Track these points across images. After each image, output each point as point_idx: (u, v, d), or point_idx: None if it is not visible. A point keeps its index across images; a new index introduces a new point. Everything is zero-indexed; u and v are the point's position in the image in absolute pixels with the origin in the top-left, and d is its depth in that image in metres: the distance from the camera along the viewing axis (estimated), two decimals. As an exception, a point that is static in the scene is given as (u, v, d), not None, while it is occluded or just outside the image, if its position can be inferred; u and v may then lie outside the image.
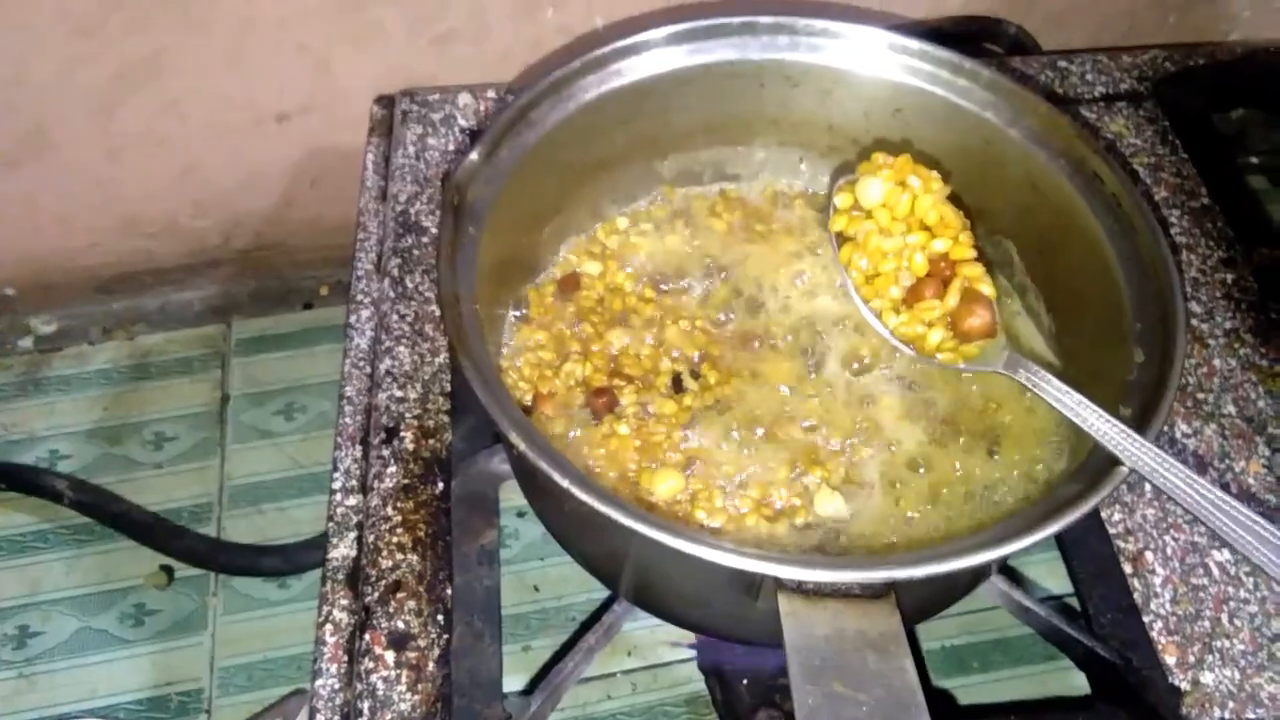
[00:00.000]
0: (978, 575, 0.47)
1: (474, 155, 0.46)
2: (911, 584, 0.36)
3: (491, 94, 0.73)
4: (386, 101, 0.73)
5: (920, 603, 0.46)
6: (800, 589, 0.35)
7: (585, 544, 0.49)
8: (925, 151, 0.56)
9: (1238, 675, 0.51)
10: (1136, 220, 0.47)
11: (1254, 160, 0.87)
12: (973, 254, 0.50)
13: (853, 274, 0.52)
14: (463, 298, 0.42)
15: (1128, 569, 0.54)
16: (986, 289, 0.49)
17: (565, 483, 0.36)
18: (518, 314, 0.54)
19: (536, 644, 0.62)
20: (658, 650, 0.60)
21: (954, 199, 0.52)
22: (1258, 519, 0.37)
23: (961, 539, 0.38)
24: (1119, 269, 0.47)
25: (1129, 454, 0.40)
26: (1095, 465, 0.41)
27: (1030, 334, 0.54)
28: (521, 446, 0.37)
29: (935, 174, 0.51)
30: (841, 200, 0.53)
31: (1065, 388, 0.44)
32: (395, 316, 0.61)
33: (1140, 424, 0.40)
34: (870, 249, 0.51)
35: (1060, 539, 0.56)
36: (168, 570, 0.71)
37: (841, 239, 0.53)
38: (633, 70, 0.52)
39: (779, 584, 0.35)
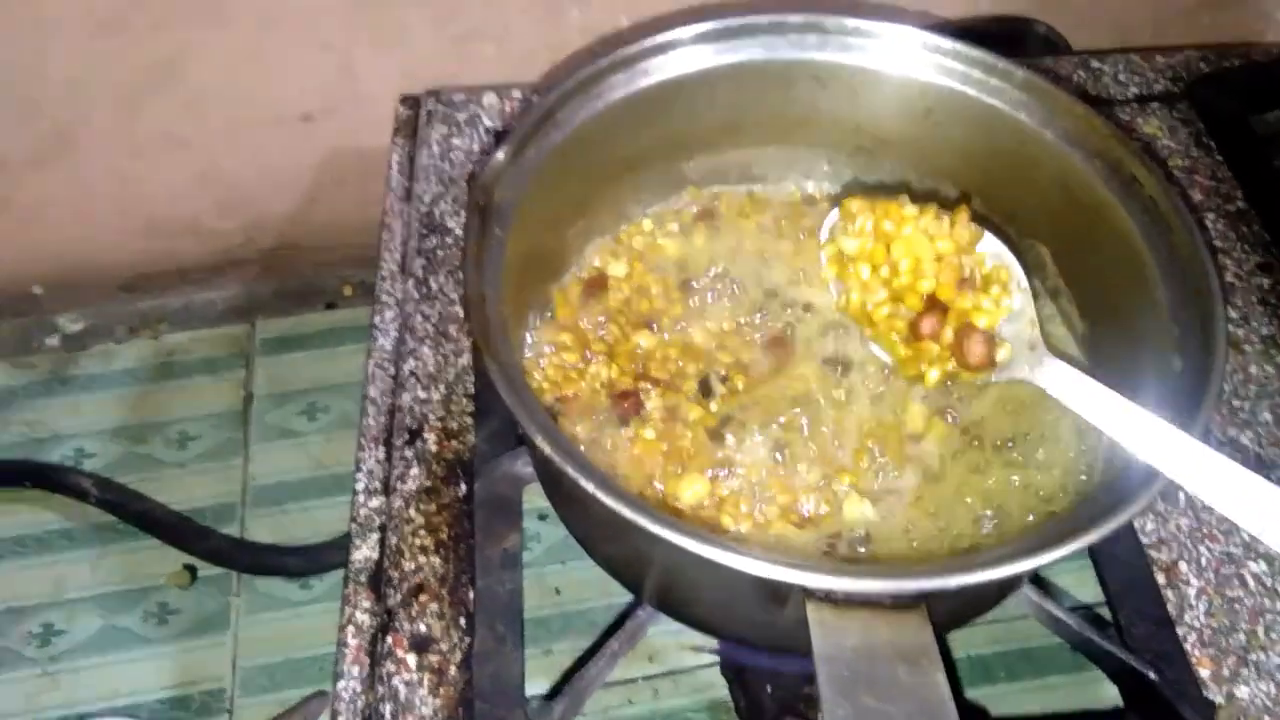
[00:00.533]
0: (1009, 585, 0.46)
1: (500, 156, 0.46)
2: (943, 594, 0.35)
3: (517, 94, 0.72)
4: (411, 102, 0.73)
5: (950, 613, 0.45)
6: (829, 598, 0.35)
7: (609, 549, 0.48)
8: (955, 152, 0.55)
9: (1274, 689, 0.50)
10: (1174, 222, 0.46)
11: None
12: (957, 288, 0.50)
13: (858, 318, 0.52)
14: (488, 299, 0.42)
15: (1161, 580, 0.53)
16: (983, 319, 0.49)
17: (590, 487, 0.36)
18: (543, 315, 0.54)
19: (558, 648, 0.62)
20: (680, 655, 0.60)
21: (976, 217, 0.51)
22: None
23: (994, 549, 0.37)
24: (1156, 272, 0.46)
25: (1166, 457, 0.39)
26: (1131, 474, 0.40)
27: (1063, 338, 0.53)
28: (547, 450, 0.37)
29: (910, 209, 0.51)
30: (829, 252, 0.53)
31: (1101, 390, 0.43)
32: (419, 317, 0.61)
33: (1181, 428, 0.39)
34: (860, 301, 0.52)
35: (1092, 549, 0.55)
36: (191, 569, 0.71)
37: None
38: (660, 69, 0.51)
39: (808, 593, 0.35)
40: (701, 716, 0.58)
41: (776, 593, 0.36)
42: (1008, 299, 0.49)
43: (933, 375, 0.49)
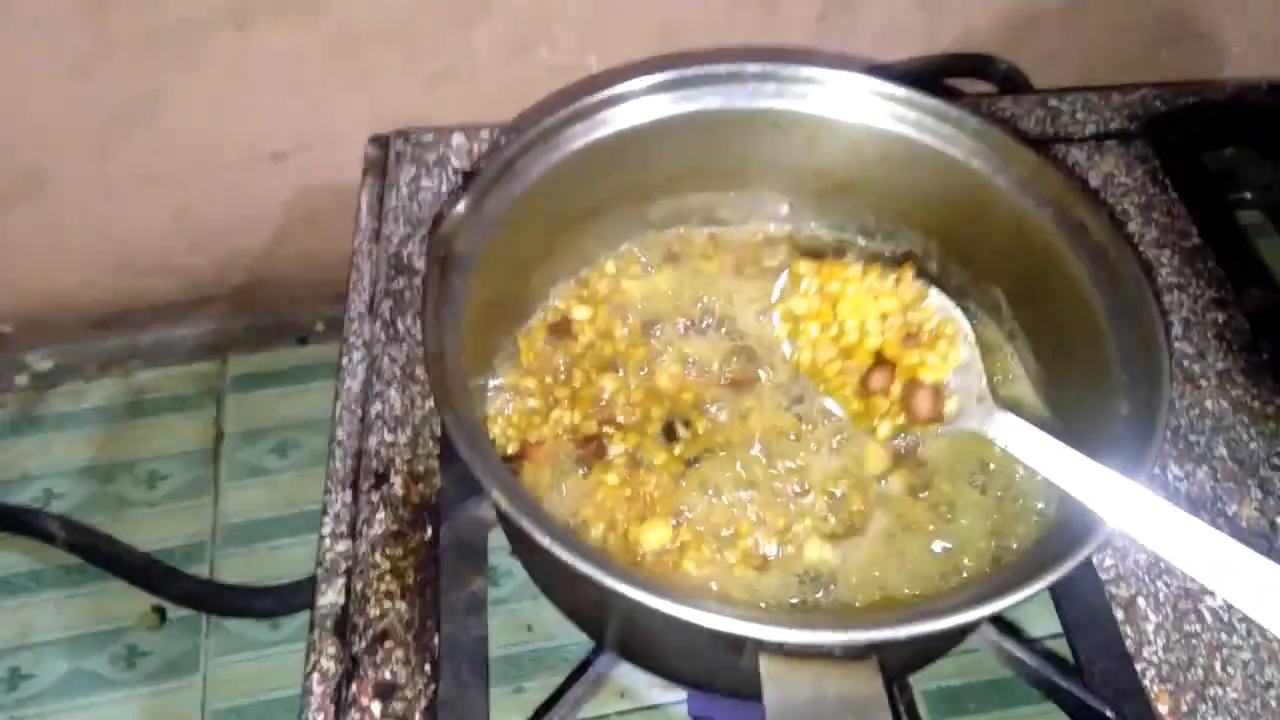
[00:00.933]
0: (966, 630, 0.47)
1: (460, 207, 0.46)
2: (893, 644, 0.36)
3: (485, 134, 0.73)
4: (381, 142, 0.74)
5: (908, 658, 0.46)
6: (782, 650, 0.35)
7: (570, 598, 0.49)
8: (913, 197, 0.56)
9: (1232, 727, 0.51)
10: (1123, 270, 0.47)
11: (1248, 196, 0.88)
12: (903, 345, 0.51)
13: (811, 374, 0.53)
14: (448, 353, 0.42)
15: (1119, 615, 0.54)
16: (929, 375, 0.50)
17: (546, 541, 0.36)
18: (508, 360, 0.54)
19: (530, 685, 0.62)
20: (650, 692, 0.60)
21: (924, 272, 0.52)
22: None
23: (943, 598, 0.37)
24: (1105, 318, 0.47)
25: (1110, 505, 0.39)
26: (1083, 517, 0.41)
27: (1019, 379, 0.54)
28: (504, 504, 0.37)
29: (855, 269, 0.52)
30: (780, 312, 0.54)
31: (1048, 441, 0.44)
32: (386, 359, 0.61)
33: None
34: (812, 359, 0.53)
35: (1051, 586, 0.55)
36: (160, 611, 0.71)
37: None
38: (618, 119, 0.52)
39: (760, 645, 0.35)
40: (671, 753, 0.58)
41: (731, 643, 0.37)
42: (954, 353, 0.50)
43: (883, 429, 0.50)
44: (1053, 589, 0.55)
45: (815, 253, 0.58)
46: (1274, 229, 0.88)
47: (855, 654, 0.35)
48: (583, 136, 0.51)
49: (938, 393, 0.49)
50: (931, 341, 0.51)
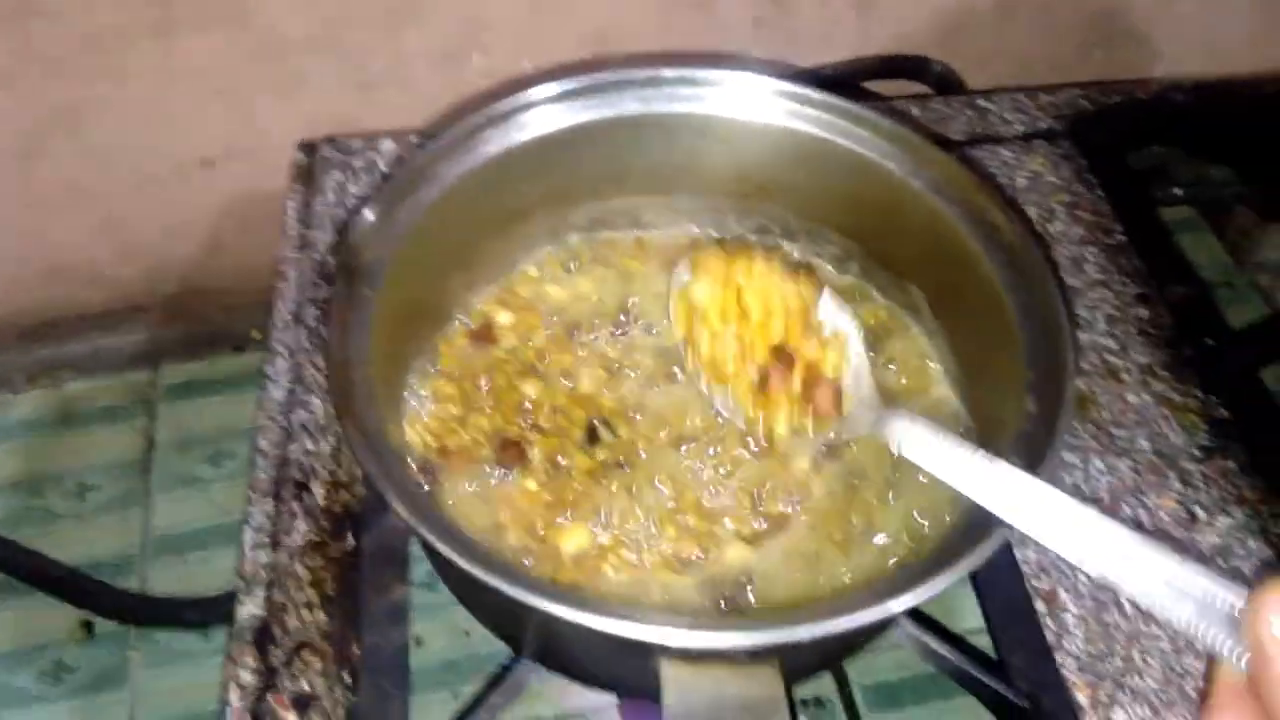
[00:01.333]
0: (881, 625, 0.47)
1: (368, 215, 0.46)
2: (797, 645, 0.36)
3: (415, 140, 0.73)
4: (309, 148, 0.73)
5: (819, 656, 0.46)
6: (684, 654, 0.35)
7: (483, 607, 0.49)
8: (833, 199, 0.56)
9: (1149, 713, 0.51)
10: (1032, 268, 0.48)
11: (1177, 192, 0.89)
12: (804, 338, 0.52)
13: (705, 373, 0.53)
14: (354, 362, 0.42)
15: (1040, 608, 0.55)
16: (829, 369, 0.50)
17: (444, 548, 0.36)
18: (429, 367, 0.54)
19: (466, 690, 0.61)
20: (581, 697, 0.60)
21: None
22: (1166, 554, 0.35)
23: (847, 598, 0.37)
24: (1016, 317, 0.48)
25: (1006, 505, 0.39)
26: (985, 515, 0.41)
27: (938, 380, 0.54)
28: (401, 511, 0.37)
29: (761, 259, 0.53)
30: (676, 307, 0.54)
31: (943, 440, 0.43)
32: (311, 367, 0.61)
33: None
34: (711, 355, 0.53)
35: (974, 578, 0.56)
36: (87, 625, 0.69)
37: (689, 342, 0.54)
38: (534, 124, 0.52)
39: (661, 650, 0.35)
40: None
41: (636, 649, 0.37)
42: (847, 353, 0.51)
43: (781, 428, 0.51)
44: (976, 582, 0.56)
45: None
46: (1204, 223, 0.89)
47: (756, 657, 0.35)
48: (499, 141, 0.51)
49: (838, 389, 0.50)
50: (829, 340, 0.52)
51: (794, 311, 0.51)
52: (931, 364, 0.55)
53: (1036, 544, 0.56)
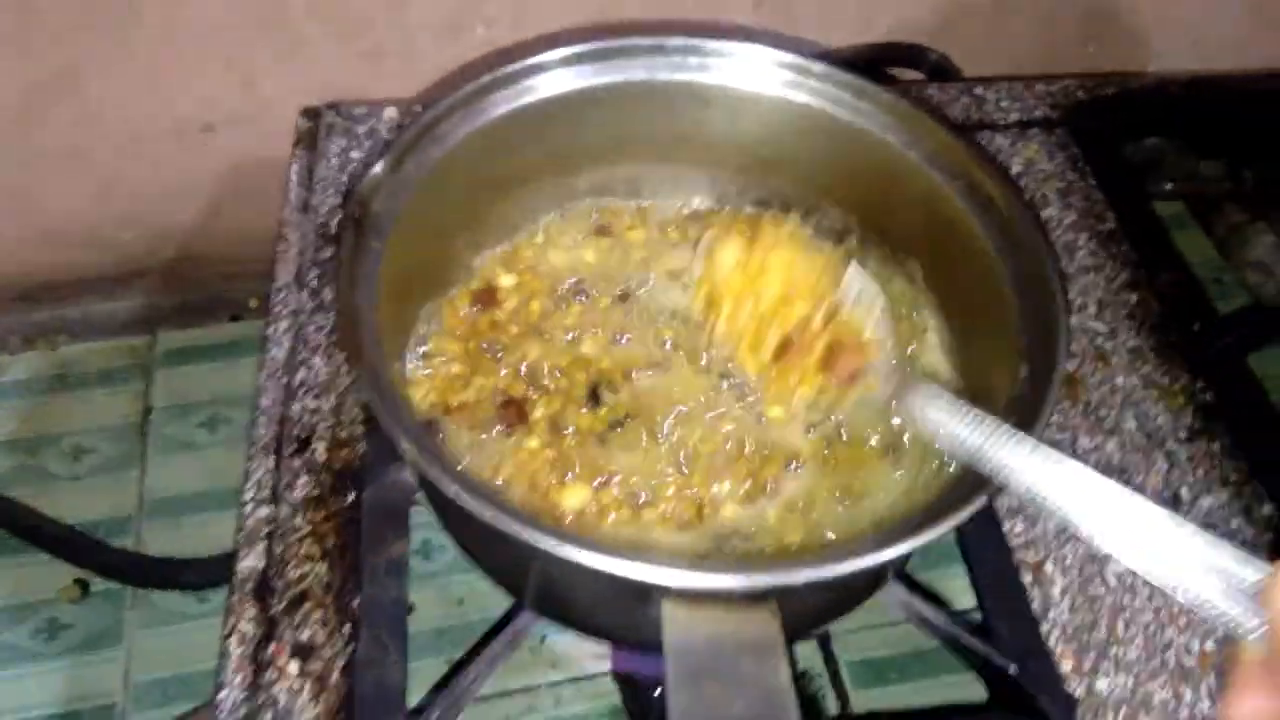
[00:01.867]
0: (872, 583, 0.48)
1: (378, 169, 0.47)
2: (793, 591, 0.37)
3: (418, 109, 0.73)
4: (312, 114, 0.73)
5: (812, 609, 0.47)
6: (683, 595, 0.36)
7: (487, 555, 0.49)
8: (832, 171, 0.57)
9: (1131, 682, 0.53)
10: (1026, 239, 0.49)
11: (1168, 187, 0.90)
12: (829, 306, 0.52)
13: (724, 342, 0.53)
14: (362, 309, 0.43)
15: (1027, 579, 0.56)
16: (853, 335, 0.51)
17: (452, 489, 0.37)
18: (432, 326, 0.54)
19: (460, 657, 0.62)
20: (581, 663, 0.61)
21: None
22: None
23: (840, 547, 0.38)
24: (1010, 286, 0.49)
25: (1027, 478, 0.39)
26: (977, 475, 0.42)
27: (933, 348, 0.55)
28: (410, 452, 0.38)
29: (787, 226, 0.53)
30: (699, 272, 0.55)
31: (962, 410, 0.43)
32: (312, 328, 0.61)
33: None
34: (731, 324, 0.53)
35: (964, 551, 0.57)
36: (82, 584, 0.70)
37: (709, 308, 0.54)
38: (542, 88, 0.52)
39: (663, 591, 0.36)
40: (603, 722, 0.59)
41: (637, 592, 0.37)
42: (872, 321, 0.51)
43: (799, 395, 0.51)
44: (964, 555, 0.57)
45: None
46: (1193, 220, 0.91)
47: (754, 599, 0.36)
48: (506, 103, 0.52)
49: (860, 353, 0.50)
50: (852, 310, 0.52)
51: (817, 283, 0.51)
52: (926, 332, 0.55)
53: (1025, 518, 0.59)
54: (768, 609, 0.36)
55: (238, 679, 0.50)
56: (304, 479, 0.56)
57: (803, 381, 0.52)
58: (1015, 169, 0.76)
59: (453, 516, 0.50)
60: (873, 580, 0.47)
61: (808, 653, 0.63)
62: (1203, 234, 0.89)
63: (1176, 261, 0.73)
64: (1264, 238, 0.91)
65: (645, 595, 0.37)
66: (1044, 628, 0.54)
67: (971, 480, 0.42)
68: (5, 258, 0.82)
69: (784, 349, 0.52)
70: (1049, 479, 0.38)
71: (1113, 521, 0.36)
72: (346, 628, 0.51)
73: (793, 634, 0.47)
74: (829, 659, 0.62)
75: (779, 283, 0.52)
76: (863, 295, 0.53)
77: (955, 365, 0.54)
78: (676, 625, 0.35)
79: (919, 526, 0.38)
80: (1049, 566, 0.57)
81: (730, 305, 0.53)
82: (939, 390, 0.46)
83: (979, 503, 0.39)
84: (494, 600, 0.63)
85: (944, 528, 0.37)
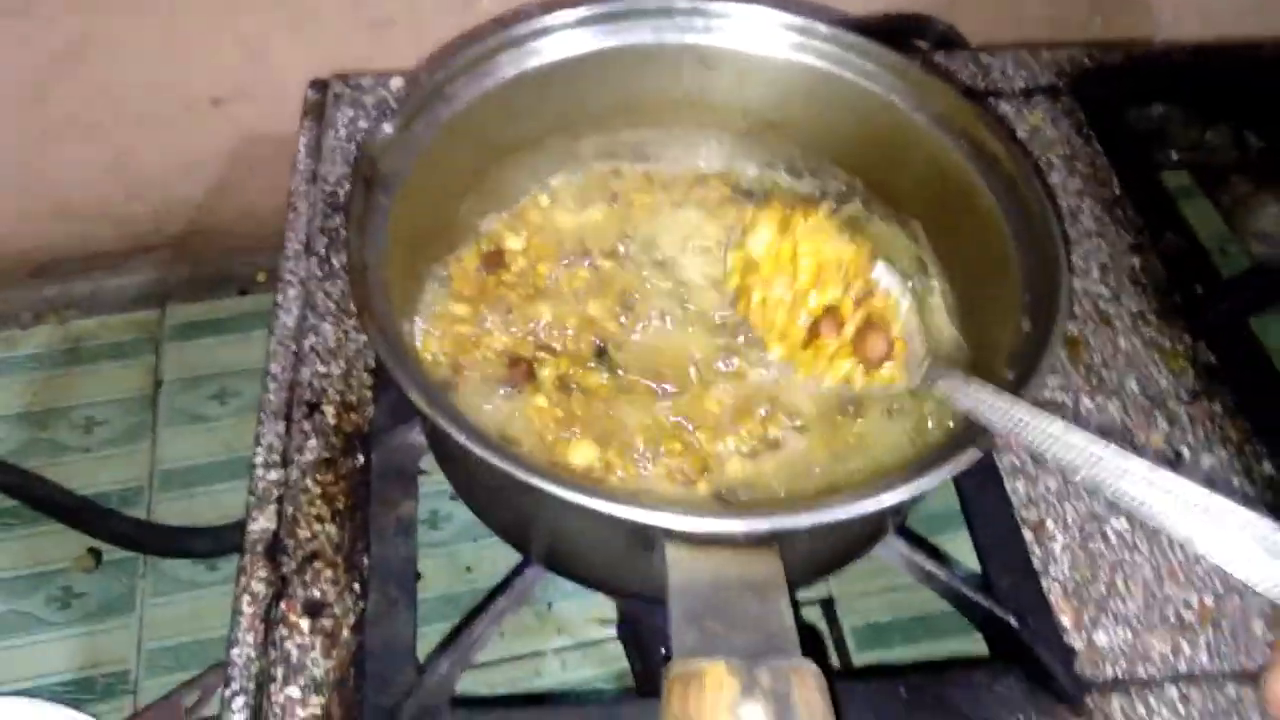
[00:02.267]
0: (872, 534, 0.49)
1: (387, 127, 0.47)
2: (797, 535, 0.37)
3: (425, 74, 0.74)
4: (320, 85, 0.74)
5: (814, 556, 0.48)
6: (686, 539, 0.36)
7: (493, 509, 0.50)
8: (837, 133, 0.57)
9: (1129, 634, 0.53)
10: (1029, 197, 0.49)
11: (1175, 156, 0.90)
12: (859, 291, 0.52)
13: (754, 322, 0.54)
14: (371, 264, 0.43)
15: (1029, 537, 0.56)
16: (884, 316, 0.51)
17: (461, 437, 0.37)
18: (441, 287, 0.55)
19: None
20: (586, 628, 0.62)
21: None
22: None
23: (842, 494, 0.39)
24: (1012, 244, 0.49)
25: (1061, 458, 0.38)
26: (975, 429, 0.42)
27: (936, 308, 0.56)
28: (420, 403, 0.38)
29: (822, 210, 0.53)
30: (734, 259, 0.55)
31: (988, 392, 0.42)
32: (321, 294, 0.62)
33: (1019, 384, 0.41)
34: (762, 305, 0.53)
35: (966, 512, 0.57)
36: (95, 553, 0.71)
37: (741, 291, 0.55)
38: (548, 50, 0.53)
39: (667, 535, 0.37)
40: (609, 685, 0.60)
41: (643, 539, 0.38)
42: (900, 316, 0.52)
43: (829, 376, 0.52)
44: (968, 515, 0.57)
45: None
46: (1199, 191, 0.91)
47: (757, 543, 0.37)
48: (513, 65, 0.52)
49: (890, 338, 0.50)
50: (881, 296, 0.53)
51: (848, 266, 0.52)
52: (930, 292, 0.56)
53: (1026, 478, 0.59)
54: (770, 552, 0.36)
55: (250, 637, 0.51)
56: (314, 442, 0.56)
57: (833, 362, 0.52)
58: (1020, 135, 0.76)
59: (461, 472, 0.51)
60: (873, 528, 0.48)
61: (812, 617, 0.64)
62: (1209, 204, 0.89)
63: (1180, 226, 0.73)
64: (1270, 208, 0.91)
65: (649, 541, 0.38)
66: (1044, 583, 0.55)
67: (971, 432, 0.42)
68: (16, 231, 0.82)
69: (814, 332, 0.52)
70: (1082, 459, 0.37)
71: (1149, 496, 0.35)
72: (357, 586, 0.51)
73: (796, 581, 0.47)
74: (832, 623, 0.63)
75: (811, 268, 0.52)
76: (888, 285, 0.53)
77: (957, 324, 0.55)
78: (680, 568, 0.35)
79: (917, 472, 0.38)
80: (1050, 524, 0.57)
81: (761, 289, 0.53)
82: (964, 379, 0.44)
83: (974, 453, 0.39)
84: (501, 567, 0.63)
85: (942, 474, 0.38)
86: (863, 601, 0.64)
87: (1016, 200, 0.50)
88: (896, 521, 0.51)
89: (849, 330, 0.51)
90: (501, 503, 0.48)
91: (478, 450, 0.36)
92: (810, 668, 0.32)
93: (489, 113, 0.52)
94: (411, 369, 0.40)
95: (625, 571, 0.45)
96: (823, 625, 0.63)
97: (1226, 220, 0.89)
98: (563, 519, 0.41)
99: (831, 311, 0.52)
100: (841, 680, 0.46)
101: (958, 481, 0.57)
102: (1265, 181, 0.91)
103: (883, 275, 0.53)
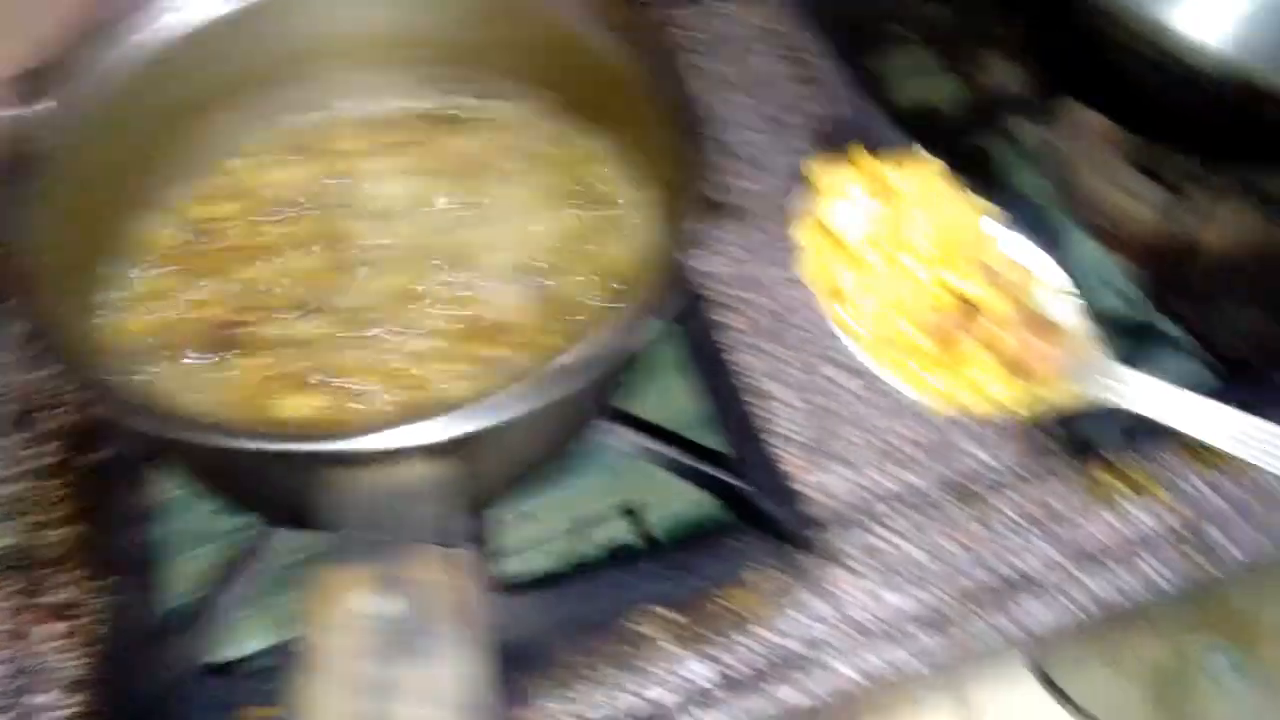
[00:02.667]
0: (570, 425, 0.51)
1: (33, 108, 0.46)
2: (461, 445, 0.39)
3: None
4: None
5: (505, 458, 0.50)
6: (347, 463, 0.38)
7: (205, 479, 0.51)
8: (519, 52, 0.58)
9: (850, 473, 0.57)
10: (662, 61, 0.52)
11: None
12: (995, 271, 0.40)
13: (853, 332, 0.41)
14: (26, 252, 0.43)
15: (752, 400, 0.59)
16: (1023, 314, 0.38)
17: (134, 420, 0.38)
18: (135, 261, 0.54)
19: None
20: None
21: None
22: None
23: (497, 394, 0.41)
24: (670, 128, 0.51)
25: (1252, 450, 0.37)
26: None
27: (633, 208, 0.58)
28: (90, 391, 0.38)
29: (925, 156, 0.39)
30: (806, 238, 0.41)
31: (1184, 395, 0.38)
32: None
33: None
34: (860, 307, 0.40)
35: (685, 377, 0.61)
36: None
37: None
38: (187, 12, 0.52)
39: (316, 460, 0.38)
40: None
41: (305, 470, 0.39)
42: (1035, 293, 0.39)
43: (987, 401, 0.39)
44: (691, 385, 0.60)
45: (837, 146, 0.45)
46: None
47: (428, 455, 0.39)
48: (156, 32, 0.51)
49: (1050, 333, 0.38)
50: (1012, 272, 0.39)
51: (968, 237, 0.38)
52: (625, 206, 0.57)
53: (751, 348, 0.61)
54: (442, 462, 0.38)
55: (4, 654, 0.50)
56: (43, 448, 0.56)
57: (982, 375, 0.39)
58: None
59: (166, 450, 0.51)
60: (568, 421, 0.50)
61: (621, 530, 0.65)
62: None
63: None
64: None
65: (311, 472, 0.39)
66: (772, 442, 0.57)
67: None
68: None
69: (948, 336, 0.40)
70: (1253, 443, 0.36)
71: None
72: (100, 581, 0.52)
73: (506, 481, 0.50)
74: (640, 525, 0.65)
75: (924, 243, 0.38)
76: (1017, 256, 0.40)
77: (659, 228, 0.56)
78: (334, 490, 0.37)
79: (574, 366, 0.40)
80: (771, 385, 0.60)
81: (856, 281, 0.40)
82: (1150, 379, 0.39)
83: (646, 332, 0.41)
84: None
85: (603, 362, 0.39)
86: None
87: (663, 85, 0.52)
88: (599, 404, 0.53)
89: (998, 336, 0.38)
90: (200, 470, 0.49)
91: (153, 428, 0.37)
92: (436, 551, 0.34)
93: (145, 83, 0.51)
94: (82, 360, 0.40)
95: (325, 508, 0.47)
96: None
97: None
98: (240, 470, 0.42)
99: (968, 305, 0.39)
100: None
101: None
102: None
103: (1006, 236, 0.40)
